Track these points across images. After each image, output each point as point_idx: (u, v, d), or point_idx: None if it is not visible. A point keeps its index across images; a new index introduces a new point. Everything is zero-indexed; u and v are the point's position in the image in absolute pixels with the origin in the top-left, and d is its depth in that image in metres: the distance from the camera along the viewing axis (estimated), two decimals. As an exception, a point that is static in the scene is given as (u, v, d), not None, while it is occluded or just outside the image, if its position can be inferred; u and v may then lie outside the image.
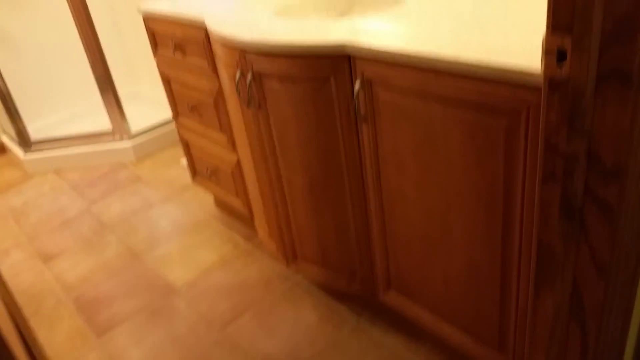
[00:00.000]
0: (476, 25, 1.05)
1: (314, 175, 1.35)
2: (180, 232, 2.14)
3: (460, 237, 1.09)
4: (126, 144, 2.80)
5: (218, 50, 1.45)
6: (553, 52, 0.66)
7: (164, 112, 3.03)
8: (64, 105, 3.31)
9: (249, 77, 1.32)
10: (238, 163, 1.76)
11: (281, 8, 1.53)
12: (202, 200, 2.33)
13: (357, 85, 1.12)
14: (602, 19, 0.61)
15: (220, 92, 1.65)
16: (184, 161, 2.70)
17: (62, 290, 1.93)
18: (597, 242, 0.72)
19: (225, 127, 1.72)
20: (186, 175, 2.57)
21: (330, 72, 1.16)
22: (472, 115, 0.93)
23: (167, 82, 1.93)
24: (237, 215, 2.13)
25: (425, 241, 1.19)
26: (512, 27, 1.00)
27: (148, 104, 3.34)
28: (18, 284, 2.01)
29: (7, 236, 2.33)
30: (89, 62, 2.64)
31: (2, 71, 2.77)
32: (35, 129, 3.05)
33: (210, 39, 1.51)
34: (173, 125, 2.93)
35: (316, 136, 1.27)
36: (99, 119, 3.03)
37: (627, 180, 0.67)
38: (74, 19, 2.54)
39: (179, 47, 1.72)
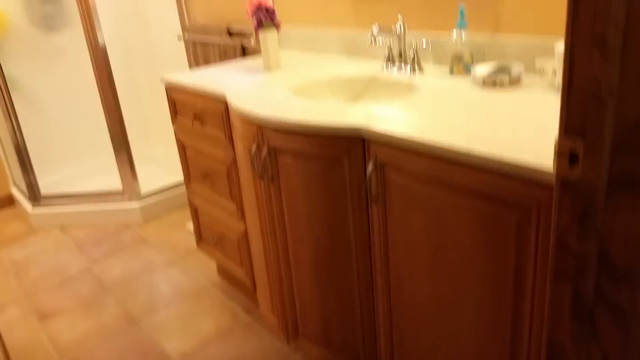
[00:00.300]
0: (487, 119, 1.09)
1: (322, 251, 1.35)
2: (180, 298, 2.11)
3: (469, 327, 1.07)
4: (134, 204, 2.82)
5: (236, 123, 1.50)
6: (565, 155, 0.68)
7: (174, 175, 3.08)
8: (77, 162, 3.38)
9: (265, 151, 1.36)
10: (245, 233, 1.76)
11: (298, 87, 1.60)
12: (205, 267, 2.31)
13: (369, 167, 1.15)
14: (613, 126, 0.64)
15: (234, 162, 1.68)
16: (190, 225, 2.70)
17: (55, 351, 1.88)
18: (609, 345, 0.71)
19: (235, 196, 1.74)
20: (191, 240, 2.57)
21: (344, 153, 1.19)
22: (483, 206, 0.94)
23: (182, 149, 1.98)
24: (239, 285, 2.11)
25: (432, 328, 1.17)
26: (522, 123, 1.04)
27: (159, 166, 3.40)
28: (11, 341, 1.96)
29: (6, 291, 2.30)
30: (107, 122, 2.72)
31: (21, 125, 2.85)
32: (46, 184, 3.09)
33: (230, 112, 1.57)
34: (182, 189, 2.96)
35: (326, 213, 1.29)
36: (111, 178, 3.07)
37: (639, 285, 0.67)
38: (96, 80, 2.64)
39: (198, 117, 1.78)
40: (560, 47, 1.23)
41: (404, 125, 1.10)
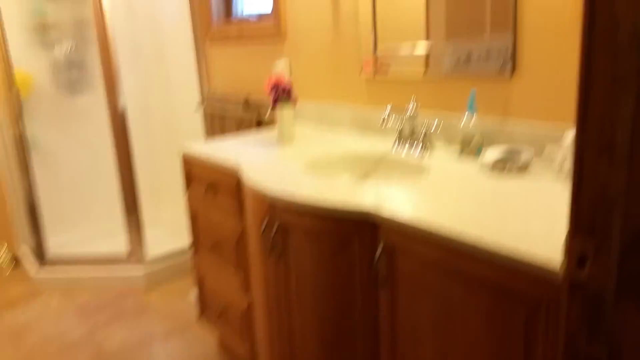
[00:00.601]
0: (496, 207, 1.10)
1: (328, 332, 1.32)
2: (179, 371, 2.05)
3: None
4: (139, 270, 2.80)
5: (248, 197, 1.51)
6: (574, 256, 0.68)
7: (181, 240, 3.07)
8: (87, 222, 3.40)
9: (275, 227, 1.36)
10: (250, 307, 1.74)
11: (311, 163, 1.62)
12: (205, 340, 2.26)
13: (379, 251, 1.15)
14: (621, 229, 0.64)
15: (243, 235, 1.69)
16: (193, 295, 2.67)
17: (45, 423, 1.81)
18: None
19: (242, 269, 1.73)
20: (193, 311, 2.53)
21: (353, 235, 1.20)
22: (492, 299, 0.93)
23: (193, 218, 1.99)
24: None
25: (437, 421, 1.12)
26: (531, 213, 1.05)
27: (168, 229, 3.40)
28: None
29: (2, 358, 2.25)
30: (119, 185, 2.76)
31: (36, 184, 2.90)
32: (54, 243, 3.09)
33: (242, 186, 1.59)
34: (188, 255, 2.95)
35: (334, 294, 1.27)
36: (118, 240, 3.07)
37: (654, 396, 0.65)
38: (113, 142, 2.70)
39: (211, 187, 1.81)
40: (569, 135, 1.25)
41: (414, 210, 1.11)
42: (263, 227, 1.41)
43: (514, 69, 1.46)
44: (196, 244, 2.02)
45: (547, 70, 1.39)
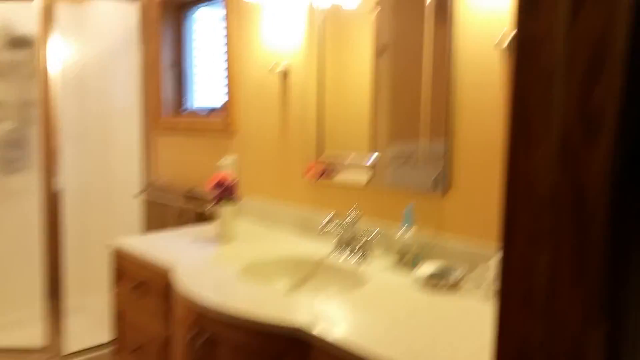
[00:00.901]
0: (428, 327, 1.10)
1: None
2: None
3: None
4: (55, 366, 2.57)
5: (178, 302, 1.45)
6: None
7: (104, 332, 2.85)
8: (3, 309, 3.13)
9: (203, 337, 1.30)
10: (170, 420, 1.61)
11: (248, 265, 1.59)
12: None
13: (308, 372, 1.11)
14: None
15: (168, 341, 1.59)
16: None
17: None
18: None
19: (166, 377, 1.62)
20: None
21: (285, 351, 1.15)
22: None
23: (118, 316, 1.88)
24: None
25: None
26: (460, 336, 1.05)
27: (90, 319, 3.16)
28: None
29: None
30: (43, 271, 2.58)
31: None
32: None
33: (173, 289, 1.53)
34: (109, 351, 2.73)
35: (259, 416, 1.20)
36: (35, 330, 2.82)
37: None
38: (43, 223, 2.55)
39: (141, 286, 1.72)
40: (497, 258, 1.30)
41: (345, 330, 1.09)
42: (190, 336, 1.34)
43: (448, 187, 1.54)
44: (119, 343, 1.89)
45: (478, 190, 1.46)
